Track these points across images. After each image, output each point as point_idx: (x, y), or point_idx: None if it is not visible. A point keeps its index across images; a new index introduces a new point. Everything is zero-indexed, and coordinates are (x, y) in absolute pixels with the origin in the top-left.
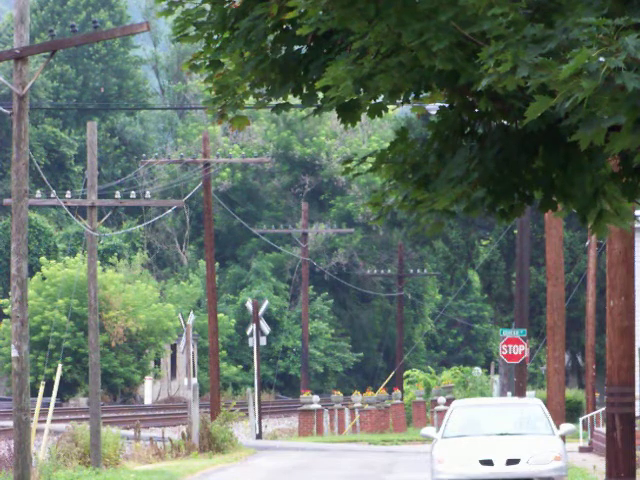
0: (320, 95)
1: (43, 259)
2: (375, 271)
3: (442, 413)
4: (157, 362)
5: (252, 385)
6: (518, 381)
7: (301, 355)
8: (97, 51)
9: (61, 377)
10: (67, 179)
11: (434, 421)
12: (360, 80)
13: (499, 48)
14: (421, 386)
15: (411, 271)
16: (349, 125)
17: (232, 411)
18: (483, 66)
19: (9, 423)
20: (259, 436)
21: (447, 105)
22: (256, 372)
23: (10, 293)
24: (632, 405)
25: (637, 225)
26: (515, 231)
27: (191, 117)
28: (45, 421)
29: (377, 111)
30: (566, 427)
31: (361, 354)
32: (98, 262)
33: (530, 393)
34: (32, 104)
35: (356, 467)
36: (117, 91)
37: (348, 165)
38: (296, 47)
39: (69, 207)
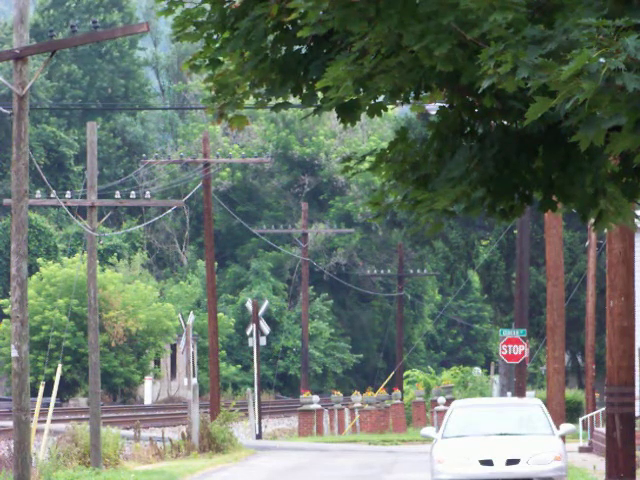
0: (320, 95)
1: (40, 260)
2: (375, 271)
3: (442, 413)
4: (157, 362)
5: (252, 385)
6: (518, 381)
7: (301, 355)
8: (106, 52)
9: (61, 377)
10: (67, 179)
11: (434, 421)
12: (360, 80)
13: (499, 49)
14: (421, 386)
15: (411, 271)
16: (348, 125)
17: (232, 411)
18: (483, 67)
19: (9, 423)
20: (259, 436)
21: (447, 105)
22: (256, 372)
23: (10, 293)
24: (632, 405)
25: (637, 225)
26: (515, 231)
27: (191, 117)
28: (45, 421)
29: (377, 111)
30: (566, 427)
31: (361, 355)
32: (97, 262)
33: (530, 393)
34: (32, 104)
35: (356, 467)
36: (123, 92)
37: (347, 163)
38: (296, 47)
39: (69, 207)
